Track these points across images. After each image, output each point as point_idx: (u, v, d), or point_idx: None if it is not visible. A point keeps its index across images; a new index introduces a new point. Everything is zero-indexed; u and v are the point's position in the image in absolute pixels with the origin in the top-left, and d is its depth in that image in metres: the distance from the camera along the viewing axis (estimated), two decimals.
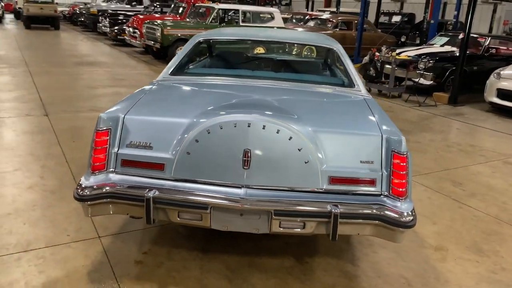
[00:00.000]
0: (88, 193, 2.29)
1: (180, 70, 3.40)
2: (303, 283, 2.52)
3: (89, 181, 2.34)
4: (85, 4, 23.22)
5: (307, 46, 4.25)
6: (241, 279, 2.53)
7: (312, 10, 23.55)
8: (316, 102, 2.96)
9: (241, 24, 11.63)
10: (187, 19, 12.21)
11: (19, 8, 23.68)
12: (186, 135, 2.36)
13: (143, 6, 18.25)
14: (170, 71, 3.35)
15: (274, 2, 26.26)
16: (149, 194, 2.25)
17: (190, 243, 2.87)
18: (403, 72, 8.38)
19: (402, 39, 16.33)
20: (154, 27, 11.09)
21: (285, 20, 15.60)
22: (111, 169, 2.40)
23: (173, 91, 3.06)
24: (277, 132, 2.33)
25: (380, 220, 2.26)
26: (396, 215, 2.26)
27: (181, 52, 3.52)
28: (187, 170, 2.35)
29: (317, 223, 2.28)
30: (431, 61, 8.25)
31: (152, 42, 11.17)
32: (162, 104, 2.75)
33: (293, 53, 4.54)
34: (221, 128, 2.34)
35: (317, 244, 2.95)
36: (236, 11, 11.87)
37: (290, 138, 2.33)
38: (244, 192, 2.30)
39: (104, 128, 2.40)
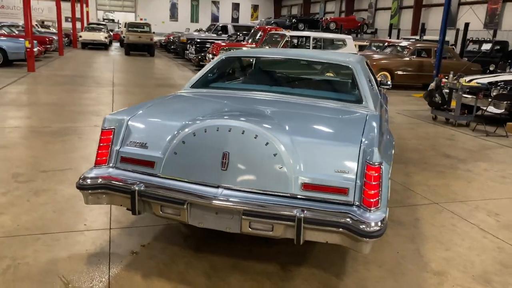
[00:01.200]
0: (87, 183, 2.61)
1: (201, 83, 3.68)
2: None
3: (91, 173, 2.66)
4: (179, 33, 25.19)
5: (330, 65, 4.31)
6: (219, 277, 2.65)
7: (397, 38, 23.05)
8: (312, 115, 3.04)
9: (311, 49, 11.86)
10: (261, 46, 12.74)
11: (123, 36, 26.41)
12: (176, 137, 2.59)
13: (227, 35, 19.34)
14: (192, 84, 3.65)
15: (359, 30, 26.18)
16: (135, 188, 2.51)
17: (187, 242, 3.06)
18: (473, 100, 7.91)
19: (491, 68, 15.31)
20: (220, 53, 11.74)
21: (363, 47, 15.53)
22: (111, 164, 2.71)
23: (184, 100, 3.34)
24: (255, 138, 2.47)
25: (345, 229, 2.27)
26: (361, 225, 2.24)
27: (205, 68, 3.82)
28: (174, 169, 2.58)
29: (285, 226, 2.35)
30: (505, 89, 7.69)
31: None
32: (165, 110, 3.03)
33: (313, 71, 4.64)
34: (205, 132, 2.54)
35: (309, 255, 2.96)
36: (307, 38, 12.12)
37: (267, 143, 2.45)
38: (219, 192, 2.45)
39: (108, 128, 2.73)
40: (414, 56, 13.38)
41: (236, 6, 41.27)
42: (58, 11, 19.67)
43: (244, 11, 41.48)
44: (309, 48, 11.87)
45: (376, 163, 2.34)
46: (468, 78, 8.27)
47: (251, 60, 4.47)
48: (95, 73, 13.10)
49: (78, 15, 34.12)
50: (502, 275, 2.90)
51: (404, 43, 14.21)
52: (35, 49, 14.57)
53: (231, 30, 20.32)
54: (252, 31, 14.66)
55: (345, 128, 2.77)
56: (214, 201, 2.39)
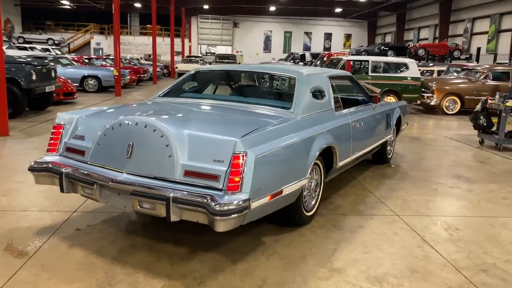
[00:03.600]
0: (35, 166, 3.26)
1: (169, 94, 4.21)
2: (172, 267, 2.91)
3: (41, 159, 3.31)
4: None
5: (279, 76, 4.61)
6: (129, 252, 3.08)
7: (494, 62, 21.43)
8: (222, 115, 3.46)
9: (370, 73, 11.84)
10: None
11: None
12: (101, 131, 3.15)
13: (303, 62, 19.90)
14: (159, 94, 4.21)
15: (447, 55, 24.86)
16: (63, 170, 3.09)
17: (128, 227, 3.54)
18: None
19: None
20: None
21: (440, 72, 14.96)
22: (59, 153, 3.34)
23: (137, 105, 3.90)
24: (154, 131, 2.91)
25: (204, 208, 2.57)
26: (215, 205, 2.53)
27: (177, 80, 4.37)
28: (97, 157, 3.12)
29: (163, 206, 2.72)
30: None
31: None
32: (111, 111, 3.61)
33: (261, 82, 4.91)
34: (120, 126, 3.06)
35: (224, 245, 3.24)
36: (366, 61, 12.11)
37: (162, 136, 2.88)
38: (122, 175, 2.92)
39: (58, 124, 3.38)
40: (489, 80, 12.51)
41: (328, 36, 41.82)
42: (153, 46, 22.03)
43: (336, 40, 41.82)
44: (367, 72, 11.86)
45: (237, 152, 2.62)
46: None
47: (219, 73, 4.89)
48: None
49: (180, 49, 37.68)
50: (401, 278, 2.88)
51: (479, 67, 13.35)
52: (127, 77, 16.62)
53: (308, 57, 20.85)
54: (318, 57, 15.05)
55: (238, 126, 3.08)
56: (110, 183, 2.87)
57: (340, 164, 4.01)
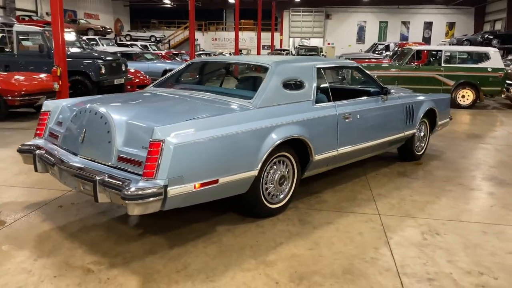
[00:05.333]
0: (21, 148, 3.69)
1: (161, 84, 4.42)
2: (114, 246, 3.11)
3: (28, 142, 3.73)
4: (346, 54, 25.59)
5: (254, 65, 4.53)
6: (85, 230, 3.35)
7: None
8: (178, 105, 3.62)
9: (443, 64, 10.91)
10: (392, 62, 12.30)
11: None
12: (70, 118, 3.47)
13: (386, 53, 18.92)
14: (154, 84, 4.44)
15: None
16: (36, 152, 3.47)
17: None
18: None
19: None
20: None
21: None
22: (44, 137, 3.74)
23: (124, 95, 4.17)
24: (101, 118, 3.14)
25: (120, 192, 2.71)
26: (126, 190, 2.66)
27: (173, 71, 4.57)
28: (65, 141, 3.45)
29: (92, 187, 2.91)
30: None
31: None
32: (90, 99, 3.91)
33: (240, 72, 4.79)
34: (80, 113, 3.35)
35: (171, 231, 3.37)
36: (439, 51, 11.16)
37: (106, 122, 3.10)
38: (74, 158, 3.20)
39: (45, 111, 3.78)
40: None
41: (428, 25, 38.97)
42: (236, 40, 22.68)
43: (437, 29, 38.79)
44: (440, 63, 10.91)
45: (153, 139, 2.72)
46: None
47: (205, 65, 4.92)
48: None
49: (275, 43, 38.21)
50: (328, 278, 2.74)
51: None
52: None
53: (392, 47, 19.75)
54: (393, 47, 14.21)
55: (174, 114, 3.19)
56: (60, 165, 3.16)
57: (318, 158, 3.86)
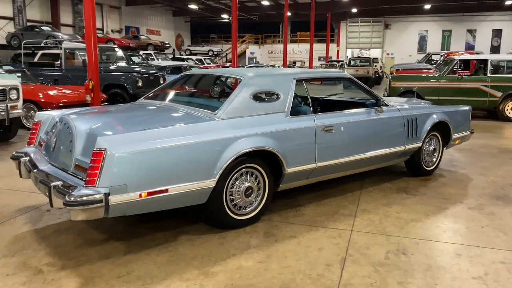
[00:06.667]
0: (13, 155, 4.00)
1: (149, 96, 4.59)
2: (75, 250, 3.28)
3: (20, 150, 4.05)
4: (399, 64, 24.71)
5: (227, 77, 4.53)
6: (60, 234, 3.56)
7: None
8: (142, 116, 3.77)
9: (489, 74, 10.24)
10: (437, 70, 11.75)
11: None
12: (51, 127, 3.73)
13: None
14: (145, 96, 4.63)
15: None
16: (21, 160, 3.75)
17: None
18: None
19: None
20: (389, 80, 11.44)
21: None
22: (35, 146, 4.04)
23: (111, 106, 4.39)
24: (67, 128, 3.36)
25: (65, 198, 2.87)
26: (68, 196, 2.81)
27: (164, 84, 4.74)
28: (45, 149, 3.71)
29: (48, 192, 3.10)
30: None
31: (385, 93, 11.55)
32: (76, 111, 4.16)
33: (217, 84, 4.77)
34: (56, 123, 3.60)
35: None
36: (484, 61, 10.48)
37: (70, 133, 3.30)
38: (47, 166, 3.43)
39: (36, 121, 4.08)
40: None
41: (497, 33, 36.58)
42: (284, 52, 22.80)
43: (508, 37, 36.30)
44: (486, 73, 10.23)
45: (96, 149, 2.85)
46: None
47: (190, 77, 4.97)
48: None
49: (332, 54, 37.93)
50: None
51: None
52: None
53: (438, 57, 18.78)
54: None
55: (130, 125, 3.33)
56: (33, 171, 3.40)
57: (292, 170, 3.80)
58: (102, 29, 29.45)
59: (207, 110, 3.63)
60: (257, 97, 3.77)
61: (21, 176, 3.81)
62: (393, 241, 3.46)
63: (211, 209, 3.46)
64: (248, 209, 3.69)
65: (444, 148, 5.57)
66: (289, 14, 38.23)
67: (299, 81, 4.13)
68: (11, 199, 4.43)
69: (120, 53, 12.69)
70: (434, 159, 5.43)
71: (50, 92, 8.54)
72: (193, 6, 32.78)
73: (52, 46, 11.66)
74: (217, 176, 3.32)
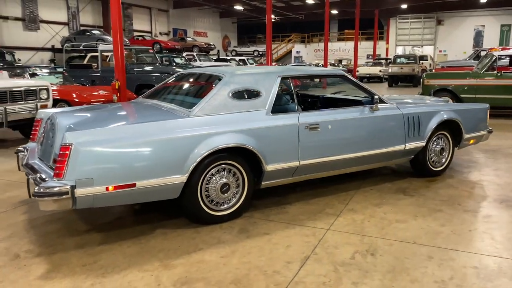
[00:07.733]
0: (17, 149, 4.31)
1: (151, 94, 4.75)
2: (58, 239, 3.49)
3: (22, 146, 4.35)
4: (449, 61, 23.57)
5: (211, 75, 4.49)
6: (58, 233, 3.80)
7: None
8: (124, 113, 3.93)
9: None
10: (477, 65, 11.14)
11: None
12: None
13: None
14: (143, 95, 4.80)
15: None
16: (19, 154, 4.04)
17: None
18: None
19: None
20: (423, 78, 11.02)
21: None
22: (36, 142, 4.33)
23: (105, 105, 4.59)
24: (53, 124, 3.59)
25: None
26: (37, 188, 3.00)
27: (162, 82, 4.88)
28: (39, 143, 3.97)
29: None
30: None
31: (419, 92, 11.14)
32: (75, 109, 4.39)
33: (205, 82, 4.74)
34: (47, 120, 3.83)
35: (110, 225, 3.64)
36: None
37: (53, 129, 3.53)
38: (35, 160, 3.68)
39: (38, 118, 4.37)
40: None
41: None
42: (325, 53, 22.48)
43: None
44: None
45: (62, 144, 3.02)
46: None
47: (184, 76, 5.02)
48: None
49: (381, 51, 36.91)
50: (212, 286, 2.73)
51: None
52: None
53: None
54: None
55: (107, 121, 3.49)
56: (23, 165, 3.65)
57: (273, 168, 3.80)
58: (150, 32, 30.56)
59: (184, 108, 3.72)
60: (236, 95, 3.80)
61: (19, 169, 4.10)
62: (366, 241, 3.37)
63: (186, 204, 3.55)
64: (226, 206, 3.73)
65: (456, 148, 5.31)
66: (335, 12, 37.75)
67: (285, 79, 4.11)
68: (20, 191, 4.76)
69: (154, 54, 13.15)
70: (443, 160, 5.18)
71: (83, 93, 9.02)
72: (238, 7, 33.13)
73: (87, 49, 12.27)
74: (188, 172, 3.40)
